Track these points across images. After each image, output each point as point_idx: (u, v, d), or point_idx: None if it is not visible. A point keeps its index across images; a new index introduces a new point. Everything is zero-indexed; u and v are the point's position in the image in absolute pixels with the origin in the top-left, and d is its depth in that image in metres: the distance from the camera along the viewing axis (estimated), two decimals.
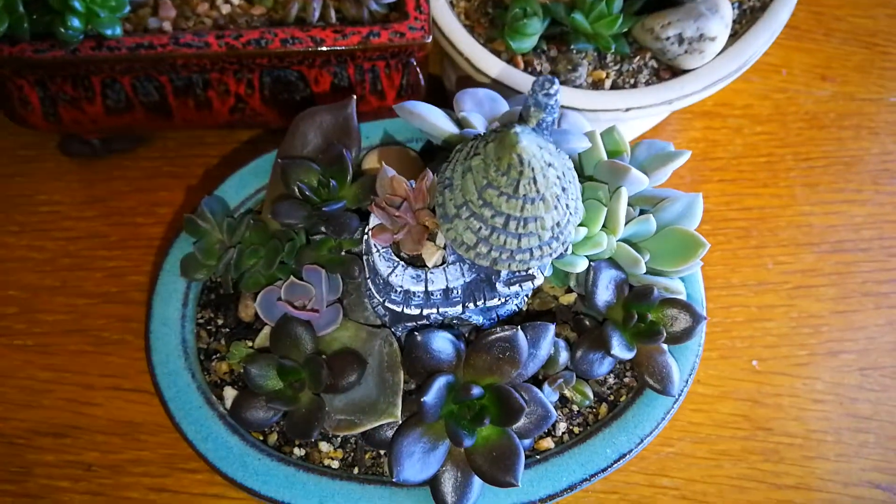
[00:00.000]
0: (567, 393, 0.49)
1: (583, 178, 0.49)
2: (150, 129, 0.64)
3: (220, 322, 0.51)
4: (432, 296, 0.41)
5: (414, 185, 0.42)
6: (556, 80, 0.33)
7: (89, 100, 0.57)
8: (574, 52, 0.61)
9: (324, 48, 0.56)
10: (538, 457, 0.47)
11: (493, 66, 0.59)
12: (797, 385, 0.64)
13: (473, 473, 0.43)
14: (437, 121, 0.49)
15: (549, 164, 0.35)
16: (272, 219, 0.49)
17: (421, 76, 0.62)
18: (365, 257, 0.44)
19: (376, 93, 0.61)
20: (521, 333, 0.42)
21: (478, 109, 0.53)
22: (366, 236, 0.44)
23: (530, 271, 0.41)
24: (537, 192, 0.35)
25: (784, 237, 0.70)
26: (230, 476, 0.45)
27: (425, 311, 0.42)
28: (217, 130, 0.69)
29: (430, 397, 0.41)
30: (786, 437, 0.62)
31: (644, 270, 0.48)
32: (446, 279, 0.41)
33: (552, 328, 0.45)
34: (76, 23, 0.51)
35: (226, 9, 0.57)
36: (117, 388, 0.60)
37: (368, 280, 0.44)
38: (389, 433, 0.44)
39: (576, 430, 0.48)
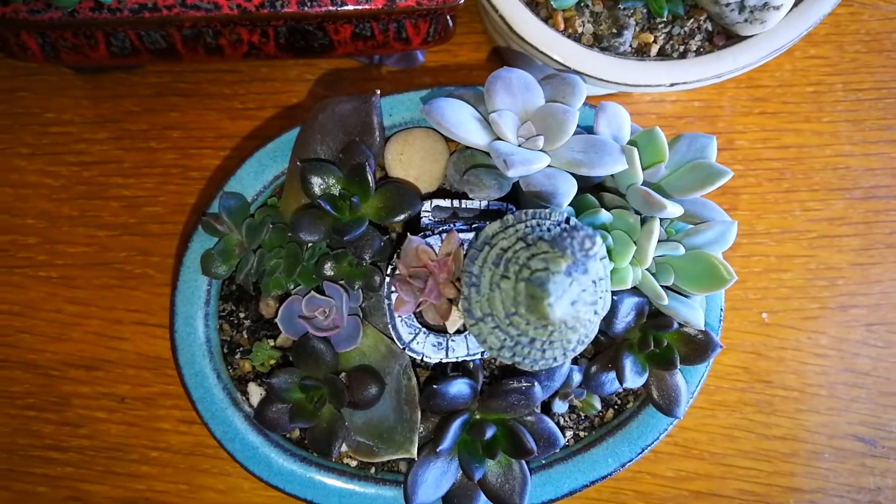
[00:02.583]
0: (577, 403, 0.51)
1: (607, 190, 0.47)
2: (160, 65, 0.59)
3: (241, 315, 0.51)
4: (451, 359, 0.42)
5: (439, 254, 0.40)
6: (598, 239, 0.31)
7: (92, 47, 0.53)
8: (621, 9, 0.55)
9: (346, 9, 0.50)
10: (543, 462, 0.50)
11: (528, 27, 0.53)
12: (802, 339, 0.66)
13: (481, 490, 0.47)
14: (467, 134, 0.46)
15: (585, 303, 0.34)
16: (292, 235, 0.47)
17: (450, 21, 0.56)
18: (386, 302, 0.44)
19: (401, 40, 0.56)
20: (537, 387, 0.43)
21: (511, 103, 0.49)
22: (387, 279, 0.43)
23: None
24: (566, 325, 0.34)
25: (817, 181, 0.68)
26: (257, 474, 0.48)
27: (444, 361, 0.43)
28: None
29: (446, 444, 0.43)
30: (782, 389, 0.66)
31: (667, 303, 0.47)
32: (468, 347, 0.41)
33: (567, 363, 0.46)
34: None
35: None
36: (143, 324, 0.62)
37: (389, 326, 0.44)
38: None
39: (581, 434, 0.51)
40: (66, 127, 0.63)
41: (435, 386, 0.43)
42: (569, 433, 0.51)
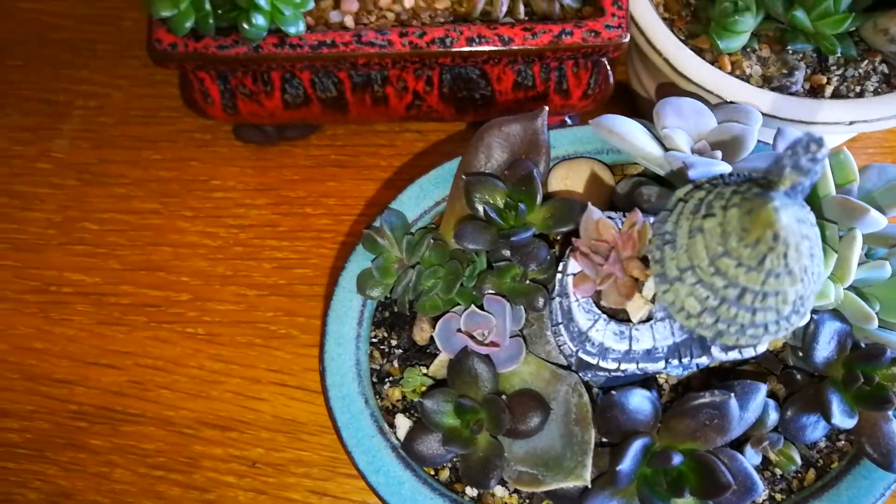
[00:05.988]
0: (771, 455, 0.44)
1: None
2: (324, 122, 0.62)
3: (393, 342, 0.49)
4: (633, 352, 0.37)
5: (622, 229, 0.37)
6: (824, 142, 0.27)
7: (268, 94, 0.56)
8: (790, 52, 0.54)
9: (512, 48, 0.51)
10: None
11: (695, 68, 0.53)
12: None
13: None
14: (640, 142, 0.44)
15: (805, 237, 0.30)
16: (454, 241, 0.45)
17: (611, 75, 0.56)
18: (557, 299, 0.40)
19: (561, 92, 0.56)
20: (733, 401, 0.38)
21: (682, 124, 0.47)
22: (559, 275, 0.40)
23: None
24: (785, 266, 0.30)
25: None
26: None
27: (622, 366, 0.38)
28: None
29: (626, 465, 0.37)
30: None
31: (876, 326, 0.41)
32: (653, 338, 0.36)
33: (764, 389, 0.40)
34: (261, 20, 0.49)
35: (409, 2, 0.54)
36: (283, 385, 0.60)
37: (560, 325, 0.40)
38: (573, 489, 0.41)
39: (777, 496, 0.43)
40: (229, 193, 0.66)
41: (613, 393, 0.38)
42: (763, 493, 0.43)
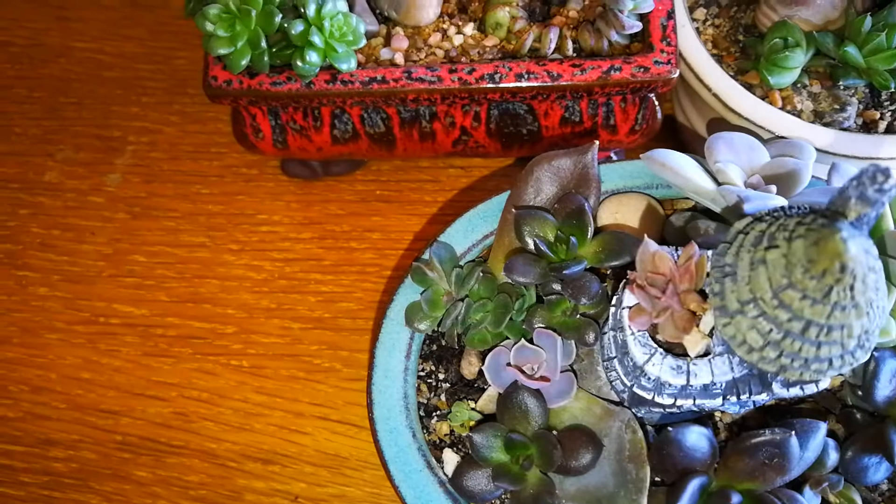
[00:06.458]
0: (831, 497, 0.42)
1: None
2: (370, 157, 0.63)
3: (440, 376, 0.48)
4: (690, 388, 0.37)
5: (678, 262, 0.37)
6: (891, 173, 0.27)
7: (317, 130, 0.57)
8: (841, 88, 0.53)
9: (561, 83, 0.52)
10: None
11: (746, 103, 0.52)
12: None
13: None
14: (693, 176, 0.44)
15: (871, 269, 0.29)
16: (503, 274, 0.45)
17: (658, 111, 0.56)
18: (612, 333, 0.40)
19: (608, 127, 0.56)
20: (794, 439, 0.37)
21: (734, 159, 0.47)
22: (613, 309, 0.39)
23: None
24: (852, 298, 0.29)
25: None
26: None
27: (678, 402, 0.38)
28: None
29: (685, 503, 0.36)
30: None
31: None
32: (712, 373, 0.36)
33: (824, 428, 0.39)
34: (314, 57, 0.50)
35: (458, 39, 0.54)
36: (326, 419, 0.60)
37: (614, 360, 0.39)
38: None
39: None
40: (274, 227, 0.66)
41: (670, 429, 0.37)
42: None
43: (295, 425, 0.60)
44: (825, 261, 0.28)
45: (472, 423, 0.46)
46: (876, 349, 0.41)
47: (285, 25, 0.49)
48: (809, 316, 0.30)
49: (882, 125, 0.52)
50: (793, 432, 0.37)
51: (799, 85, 0.54)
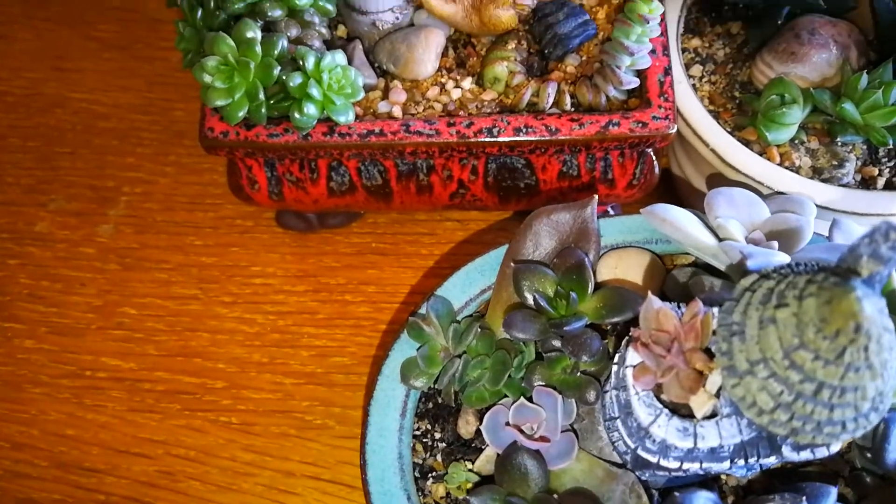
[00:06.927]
0: None
1: None
2: (367, 210, 0.62)
3: (437, 435, 0.47)
4: (697, 451, 0.35)
5: (683, 319, 0.36)
6: None
7: (314, 182, 0.56)
8: (839, 144, 0.53)
9: (559, 137, 0.51)
10: None
11: (744, 159, 0.52)
12: None
13: None
14: (694, 231, 0.43)
15: (886, 329, 0.28)
16: (502, 329, 0.44)
17: (656, 166, 0.56)
18: (614, 392, 0.39)
19: (606, 181, 0.56)
20: None
21: (734, 214, 0.46)
22: (616, 367, 0.38)
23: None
24: (866, 359, 0.28)
25: None
26: None
27: (685, 466, 0.36)
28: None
29: None
30: None
31: None
32: (720, 436, 0.35)
33: (835, 493, 0.38)
34: (312, 110, 0.49)
35: (456, 93, 0.54)
36: (317, 479, 0.58)
37: (617, 420, 0.38)
38: None
39: None
40: (268, 279, 0.65)
41: (676, 494, 0.36)
42: None
43: (284, 485, 0.58)
44: (839, 320, 0.27)
45: (469, 484, 0.45)
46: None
47: (283, 77, 0.49)
48: (822, 377, 0.29)
49: (881, 181, 0.52)
50: (804, 497, 0.35)
51: (797, 141, 0.54)
